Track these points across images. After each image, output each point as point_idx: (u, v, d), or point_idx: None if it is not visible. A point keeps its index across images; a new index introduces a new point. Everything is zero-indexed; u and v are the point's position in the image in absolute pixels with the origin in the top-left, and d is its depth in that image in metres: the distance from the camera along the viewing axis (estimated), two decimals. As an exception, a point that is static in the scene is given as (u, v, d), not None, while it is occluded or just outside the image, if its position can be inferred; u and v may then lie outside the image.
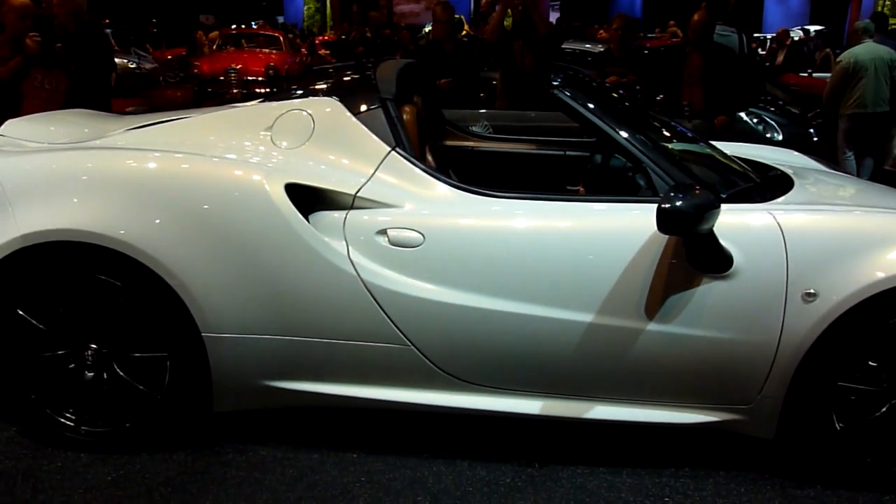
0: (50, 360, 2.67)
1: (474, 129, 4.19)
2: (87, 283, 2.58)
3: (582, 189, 3.57)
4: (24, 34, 4.24)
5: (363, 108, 2.77)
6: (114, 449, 2.72)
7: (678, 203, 2.30)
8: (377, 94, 2.81)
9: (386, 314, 2.55)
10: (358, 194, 2.62)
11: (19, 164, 2.68)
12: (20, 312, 2.62)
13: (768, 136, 6.12)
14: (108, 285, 2.57)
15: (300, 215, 2.55)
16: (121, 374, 2.66)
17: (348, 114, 2.75)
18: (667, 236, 2.47)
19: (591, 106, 2.73)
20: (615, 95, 3.35)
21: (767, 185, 2.91)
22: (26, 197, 2.59)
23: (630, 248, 2.51)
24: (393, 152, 2.70)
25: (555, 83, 2.78)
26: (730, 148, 3.76)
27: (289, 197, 2.57)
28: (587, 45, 7.42)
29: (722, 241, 2.45)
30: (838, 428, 2.54)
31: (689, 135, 3.39)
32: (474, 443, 2.83)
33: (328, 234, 2.57)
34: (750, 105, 6.07)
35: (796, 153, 3.84)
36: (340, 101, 2.79)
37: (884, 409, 2.52)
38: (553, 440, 2.85)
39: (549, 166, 3.81)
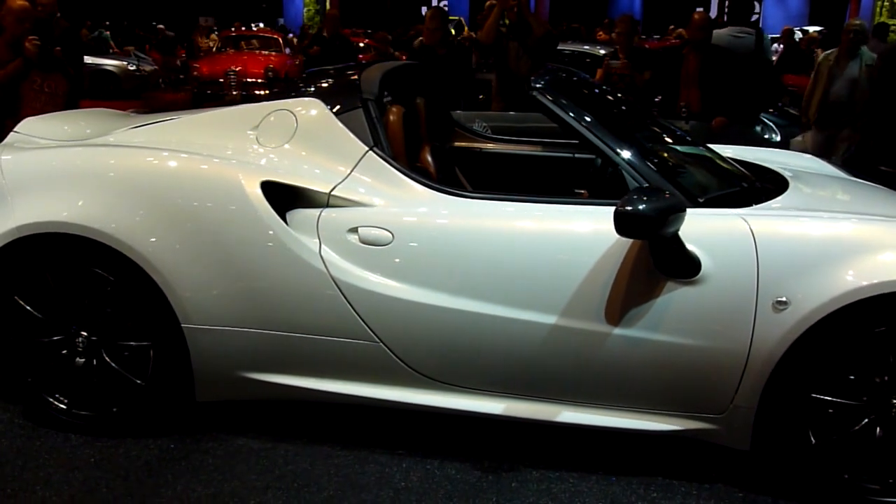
0: (44, 345, 2.81)
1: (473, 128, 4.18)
2: (76, 274, 2.71)
3: (586, 192, 3.54)
4: (24, 37, 4.29)
5: (344, 108, 2.83)
6: (102, 432, 2.85)
7: (639, 206, 2.26)
8: (359, 95, 2.86)
9: (355, 311, 2.60)
10: (332, 192, 2.67)
11: (21, 159, 2.84)
12: (17, 299, 2.78)
13: (766, 137, 5.93)
14: (96, 275, 2.69)
15: (274, 212, 2.62)
16: (108, 361, 2.79)
17: (329, 114, 2.81)
18: (637, 240, 2.44)
19: (570, 108, 2.70)
20: (610, 98, 3.31)
21: (755, 189, 2.84)
22: (24, 190, 2.74)
23: (599, 250, 2.49)
24: (370, 152, 2.74)
25: (535, 85, 2.77)
26: (746, 153, 3.68)
27: (267, 194, 2.65)
28: (586, 47, 7.31)
29: (690, 247, 2.41)
30: (813, 442, 2.45)
31: (687, 137, 3.33)
32: (449, 441, 2.85)
33: (302, 232, 2.64)
34: (767, 108, 5.90)
35: (814, 157, 3.73)
36: (324, 101, 2.86)
37: (862, 424, 2.42)
38: (531, 443, 2.85)
39: (557, 168, 3.79)
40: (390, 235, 2.58)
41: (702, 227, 2.45)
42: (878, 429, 2.42)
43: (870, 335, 2.37)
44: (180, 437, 2.86)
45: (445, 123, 3.87)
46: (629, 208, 2.27)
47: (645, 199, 2.28)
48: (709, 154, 3.19)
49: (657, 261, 2.41)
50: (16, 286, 2.77)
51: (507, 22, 5.78)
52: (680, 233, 2.38)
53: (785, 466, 2.53)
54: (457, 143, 3.91)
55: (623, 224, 2.28)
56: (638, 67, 5.68)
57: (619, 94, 3.54)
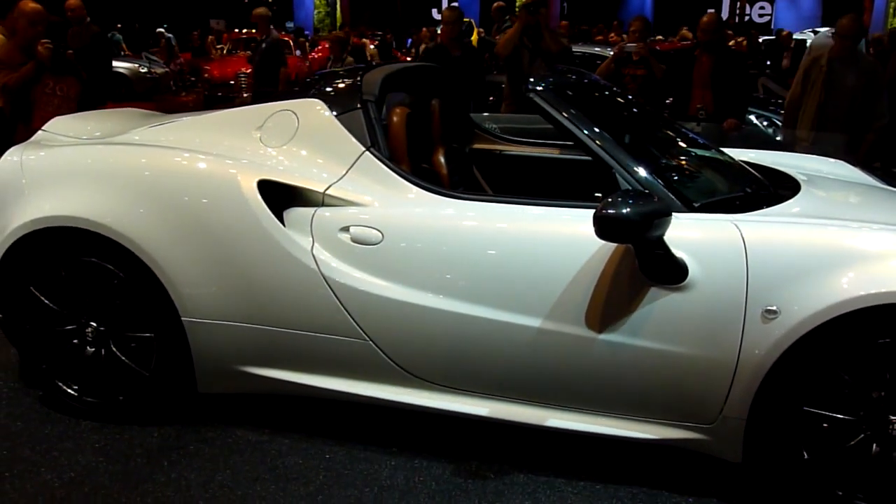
0: (57, 334, 2.95)
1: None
2: (85, 266, 2.83)
3: (600, 195, 3.49)
4: (36, 40, 4.29)
5: (344, 109, 2.87)
6: (109, 419, 2.97)
7: (622, 210, 2.22)
8: (359, 96, 2.90)
9: (345, 309, 2.64)
10: (327, 192, 2.72)
11: (39, 156, 2.98)
12: (33, 290, 2.92)
13: (778, 139, 5.71)
14: (103, 268, 2.80)
15: (268, 210, 2.67)
16: (115, 351, 2.90)
17: (329, 114, 2.86)
18: (625, 244, 2.40)
19: (565, 111, 2.67)
20: (620, 101, 3.26)
21: (759, 194, 2.75)
22: (40, 186, 2.89)
23: (587, 254, 2.46)
24: (367, 152, 2.78)
25: (534, 87, 2.74)
26: (769, 157, 3.57)
27: (264, 193, 2.71)
28: (596, 49, 7.15)
29: (679, 252, 2.36)
30: (806, 456, 2.37)
31: (700, 140, 3.25)
32: (441, 441, 2.85)
33: (296, 230, 2.69)
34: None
35: (842, 163, 3.58)
36: (325, 102, 2.90)
37: (858, 440, 2.33)
38: (524, 446, 2.83)
39: (577, 171, 3.75)
40: (380, 235, 2.61)
41: (692, 233, 2.40)
42: (874, 445, 2.32)
43: (870, 347, 2.27)
44: (182, 427, 2.95)
45: (465, 126, 3.88)
46: (610, 211, 2.24)
47: (630, 202, 2.23)
48: (721, 157, 3.12)
49: (643, 265, 2.37)
50: (32, 277, 2.91)
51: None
52: (670, 238, 2.34)
53: (777, 480, 2.44)
54: (476, 146, 3.91)
55: (602, 227, 2.25)
56: (655, 55, 5.59)
57: (630, 97, 3.47)
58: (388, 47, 11.85)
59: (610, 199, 2.26)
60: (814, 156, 3.74)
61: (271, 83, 7.45)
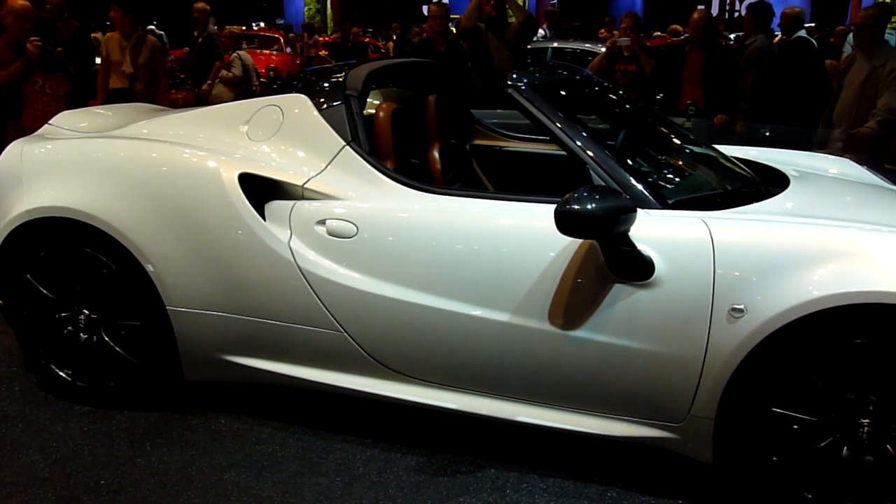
0: (51, 321, 3.05)
1: None
2: (78, 256, 2.92)
3: None
4: (25, 38, 4.27)
5: (327, 104, 2.90)
6: (100, 404, 3.06)
7: (588, 206, 2.21)
8: (342, 91, 2.93)
9: (320, 300, 2.67)
10: (305, 185, 2.76)
11: (38, 148, 3.08)
12: (29, 278, 3.02)
13: (767, 134, 5.57)
14: (94, 258, 2.89)
15: (248, 203, 2.73)
16: (106, 338, 2.99)
17: (313, 109, 2.90)
18: (594, 241, 2.39)
19: (543, 106, 2.66)
20: (612, 97, 3.23)
21: (739, 192, 2.70)
22: (36, 178, 2.99)
23: (556, 249, 2.45)
24: (347, 147, 2.81)
25: (515, 83, 2.74)
26: (779, 155, 3.51)
27: (246, 186, 2.76)
28: (587, 45, 7.05)
29: (646, 249, 2.33)
30: (774, 458, 2.32)
31: (690, 137, 3.21)
32: (421, 434, 2.88)
33: (276, 223, 2.74)
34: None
35: (848, 162, 3.50)
36: (310, 97, 2.95)
37: (827, 442, 2.27)
38: (499, 440, 2.83)
39: (577, 167, 3.72)
40: (355, 228, 2.64)
41: (660, 230, 2.38)
42: (844, 448, 2.27)
43: (843, 348, 2.22)
44: (170, 413, 3.03)
45: (465, 121, 3.88)
46: (574, 207, 2.22)
47: (596, 197, 2.22)
48: (709, 153, 3.07)
49: (609, 262, 2.35)
50: (28, 266, 3.01)
51: (483, 20, 5.84)
52: (638, 235, 2.32)
53: (746, 481, 2.40)
54: (477, 142, 3.92)
55: (563, 223, 2.24)
56: (646, 51, 5.54)
57: (621, 92, 3.43)
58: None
59: (574, 195, 2.25)
60: (820, 154, 3.65)
61: (206, 78, 7.46)
